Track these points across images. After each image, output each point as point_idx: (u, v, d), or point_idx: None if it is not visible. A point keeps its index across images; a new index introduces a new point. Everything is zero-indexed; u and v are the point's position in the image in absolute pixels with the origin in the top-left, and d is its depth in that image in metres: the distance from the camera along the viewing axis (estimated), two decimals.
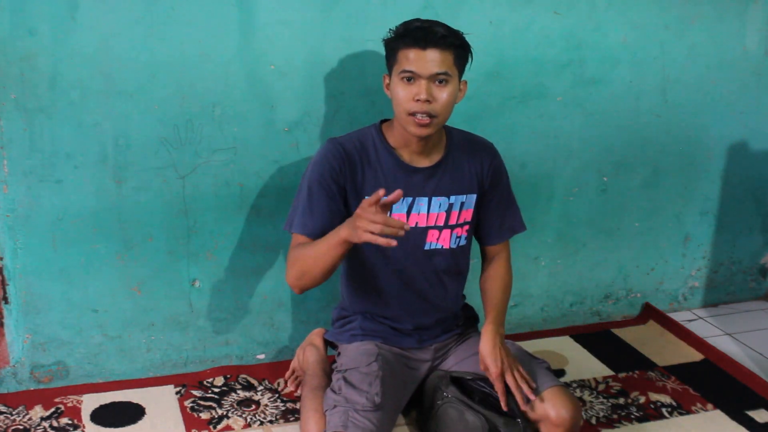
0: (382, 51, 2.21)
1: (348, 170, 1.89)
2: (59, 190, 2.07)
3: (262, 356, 2.41)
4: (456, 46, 1.82)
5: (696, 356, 2.56)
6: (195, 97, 2.11)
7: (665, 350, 2.60)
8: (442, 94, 1.81)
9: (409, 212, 1.95)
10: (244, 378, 2.31)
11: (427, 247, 1.98)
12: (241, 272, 2.31)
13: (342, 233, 1.73)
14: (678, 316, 2.85)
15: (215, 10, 2.06)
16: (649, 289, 2.87)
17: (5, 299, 2.12)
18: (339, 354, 2.04)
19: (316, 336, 2.22)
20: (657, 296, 2.88)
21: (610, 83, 2.53)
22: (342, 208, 1.90)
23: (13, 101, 1.97)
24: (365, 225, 1.62)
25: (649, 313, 2.83)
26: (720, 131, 2.74)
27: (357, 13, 2.17)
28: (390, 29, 1.87)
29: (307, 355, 2.15)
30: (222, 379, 2.30)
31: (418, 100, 1.79)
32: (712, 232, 2.89)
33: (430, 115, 1.81)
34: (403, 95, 1.81)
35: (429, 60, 1.78)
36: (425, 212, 1.96)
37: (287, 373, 2.26)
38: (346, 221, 1.75)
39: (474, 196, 2.01)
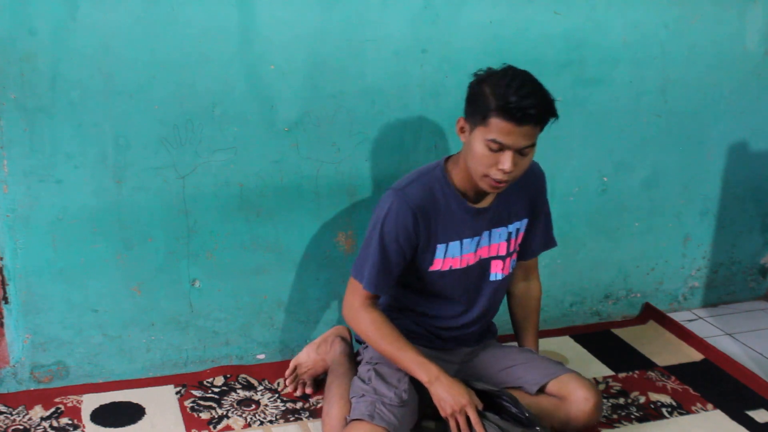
0: (382, 51, 2.22)
1: (422, 227, 1.89)
2: (59, 190, 2.07)
3: (262, 356, 2.41)
4: (547, 119, 1.80)
5: (696, 356, 2.56)
6: (195, 97, 2.11)
7: (665, 350, 2.60)
8: (524, 161, 1.80)
9: (476, 249, 1.98)
10: (244, 378, 2.31)
11: (492, 278, 2.03)
12: (241, 272, 2.31)
13: (425, 378, 1.84)
14: (678, 316, 2.85)
15: (215, 10, 2.05)
16: (649, 289, 2.87)
17: (5, 299, 2.12)
18: (367, 347, 2.06)
19: (343, 329, 2.28)
20: (657, 296, 2.88)
21: (610, 83, 2.52)
22: (410, 260, 1.94)
23: (13, 101, 1.97)
24: (457, 416, 1.81)
25: (649, 313, 2.83)
26: (720, 131, 2.74)
27: (357, 13, 2.17)
28: (479, 71, 1.81)
29: (335, 347, 2.19)
30: (222, 379, 2.30)
31: (501, 169, 1.76)
32: (712, 232, 2.88)
33: (508, 180, 1.81)
34: (486, 161, 1.77)
35: (522, 135, 1.74)
36: (487, 245, 1.99)
37: (287, 372, 2.26)
38: (434, 376, 1.84)
39: (526, 221, 2.05)
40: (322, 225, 2.32)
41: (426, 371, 1.85)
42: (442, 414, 1.84)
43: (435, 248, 1.93)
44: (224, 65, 2.10)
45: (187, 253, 2.24)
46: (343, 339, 2.23)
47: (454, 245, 1.94)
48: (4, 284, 2.11)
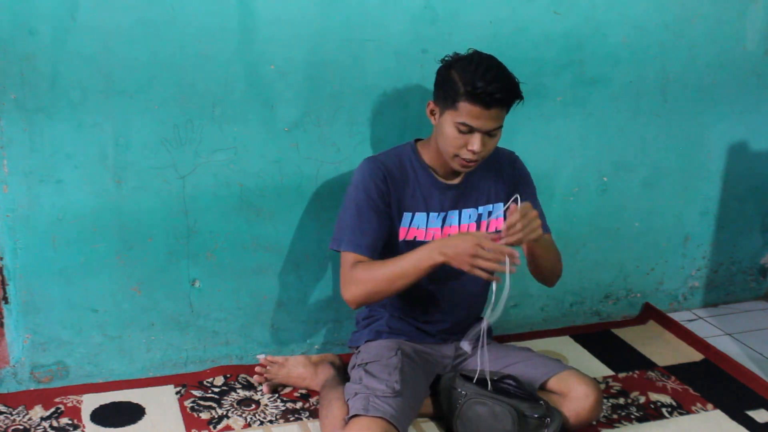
0: (382, 51, 2.22)
1: (392, 187, 1.98)
2: (59, 190, 2.07)
3: (262, 356, 2.41)
4: (513, 101, 1.89)
5: (696, 356, 2.56)
6: (195, 97, 2.11)
7: (665, 350, 2.60)
8: (492, 141, 1.91)
9: (443, 225, 2.04)
10: (244, 378, 2.31)
11: None
12: (241, 272, 2.31)
13: (438, 258, 1.80)
14: (678, 316, 2.85)
15: (215, 10, 2.05)
16: (649, 289, 2.87)
17: (5, 299, 2.12)
18: (359, 352, 2.09)
19: (332, 356, 2.31)
20: (657, 296, 2.88)
21: (610, 83, 2.53)
22: (389, 223, 1.99)
23: (13, 101, 1.97)
24: (482, 263, 1.75)
25: (649, 313, 2.83)
26: (720, 131, 2.74)
27: (357, 13, 2.17)
28: (447, 56, 1.93)
29: (330, 371, 2.19)
30: (222, 378, 2.30)
31: (471, 150, 1.87)
32: (712, 232, 2.89)
33: (477, 159, 1.90)
34: (456, 142, 1.88)
35: (490, 118, 1.84)
36: (456, 224, 2.05)
37: (267, 359, 2.24)
38: (436, 244, 1.83)
39: (501, 205, 2.09)
40: (322, 225, 2.32)
41: (430, 252, 1.83)
42: (467, 268, 1.77)
43: (402, 215, 2.00)
44: (224, 65, 2.10)
45: (187, 253, 2.24)
46: (333, 364, 2.25)
47: (420, 216, 2.01)
48: (4, 284, 2.11)
